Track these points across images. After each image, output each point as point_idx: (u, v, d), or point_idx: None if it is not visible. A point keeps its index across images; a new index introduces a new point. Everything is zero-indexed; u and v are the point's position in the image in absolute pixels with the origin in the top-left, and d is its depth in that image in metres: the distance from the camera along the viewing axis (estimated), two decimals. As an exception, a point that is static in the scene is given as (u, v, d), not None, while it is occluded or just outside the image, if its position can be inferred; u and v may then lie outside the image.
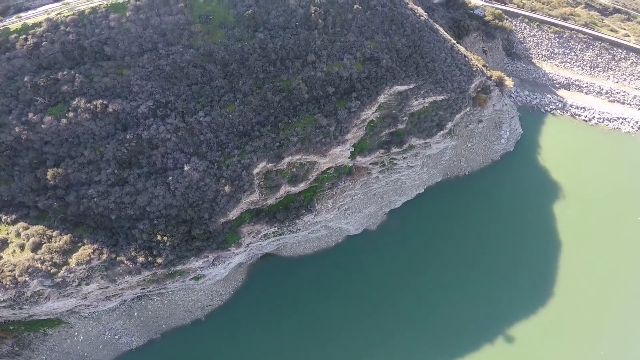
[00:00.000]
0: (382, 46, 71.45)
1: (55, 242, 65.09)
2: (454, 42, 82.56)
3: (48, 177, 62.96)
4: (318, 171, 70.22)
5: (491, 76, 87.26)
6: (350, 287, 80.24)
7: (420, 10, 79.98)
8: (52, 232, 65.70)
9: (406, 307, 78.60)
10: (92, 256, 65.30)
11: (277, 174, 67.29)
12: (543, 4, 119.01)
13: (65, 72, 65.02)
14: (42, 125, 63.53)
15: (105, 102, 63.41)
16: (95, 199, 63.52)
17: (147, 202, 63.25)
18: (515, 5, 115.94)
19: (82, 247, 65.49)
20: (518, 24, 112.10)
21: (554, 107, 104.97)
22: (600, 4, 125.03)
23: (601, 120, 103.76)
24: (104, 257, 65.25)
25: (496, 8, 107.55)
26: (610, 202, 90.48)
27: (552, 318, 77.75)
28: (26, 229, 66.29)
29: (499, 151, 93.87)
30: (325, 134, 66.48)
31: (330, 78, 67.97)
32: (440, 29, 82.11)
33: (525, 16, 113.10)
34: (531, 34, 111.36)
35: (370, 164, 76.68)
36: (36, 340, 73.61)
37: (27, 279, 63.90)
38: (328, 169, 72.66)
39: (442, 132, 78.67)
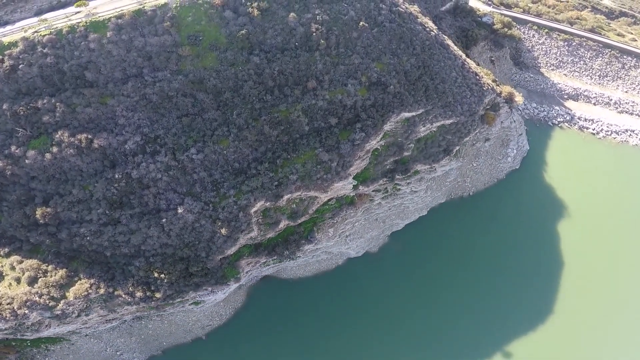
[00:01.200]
0: (390, 68, 60.45)
1: (51, 276, 60.14)
2: (465, 57, 70.96)
3: (37, 215, 55.13)
4: (318, 205, 61.86)
5: (501, 92, 76.20)
6: (350, 309, 74.81)
7: (430, 24, 67.92)
8: (47, 266, 60.60)
9: (407, 328, 73.43)
10: (90, 290, 60.17)
11: (275, 211, 58.85)
12: (549, 7, 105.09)
13: (45, 101, 55.53)
14: (26, 160, 55.32)
15: (90, 136, 54.18)
16: (88, 238, 56.20)
17: (142, 241, 55.94)
18: (521, 10, 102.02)
19: (79, 282, 59.86)
20: (527, 32, 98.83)
21: (561, 119, 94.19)
22: (607, 7, 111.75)
23: (609, 133, 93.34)
24: (102, 291, 59.87)
25: (504, 15, 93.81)
26: (615, 221, 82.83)
27: (554, 339, 72.04)
28: (20, 262, 60.92)
29: (505, 170, 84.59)
30: (327, 169, 57.20)
31: (332, 107, 57.66)
32: (451, 43, 70.30)
33: (534, 23, 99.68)
34: (540, 41, 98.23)
35: (373, 191, 67.77)
36: (39, 355, 70.24)
37: (26, 311, 58.69)
38: (329, 200, 63.90)
39: (448, 156, 68.90)
